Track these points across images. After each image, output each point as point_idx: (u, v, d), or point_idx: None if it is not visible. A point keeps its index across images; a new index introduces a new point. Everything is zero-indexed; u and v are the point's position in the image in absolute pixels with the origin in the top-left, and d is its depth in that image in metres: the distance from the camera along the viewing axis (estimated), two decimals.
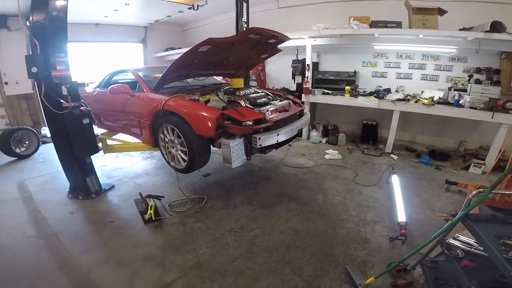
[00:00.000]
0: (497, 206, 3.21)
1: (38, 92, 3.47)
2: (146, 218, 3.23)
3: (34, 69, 3.32)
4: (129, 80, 4.86)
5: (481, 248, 1.75)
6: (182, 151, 3.47)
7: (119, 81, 5.04)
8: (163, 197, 3.60)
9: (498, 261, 1.42)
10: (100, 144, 4.40)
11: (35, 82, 3.47)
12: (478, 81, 5.23)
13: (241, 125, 3.06)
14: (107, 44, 8.84)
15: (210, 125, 3.02)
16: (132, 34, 9.20)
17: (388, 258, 2.64)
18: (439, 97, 5.35)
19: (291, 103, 4.17)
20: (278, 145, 3.55)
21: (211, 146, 3.46)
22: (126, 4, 6.41)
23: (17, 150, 5.67)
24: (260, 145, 3.13)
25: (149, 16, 8.18)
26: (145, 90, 3.87)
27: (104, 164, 5.15)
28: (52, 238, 3.05)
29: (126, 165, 5.17)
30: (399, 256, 2.42)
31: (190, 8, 6.88)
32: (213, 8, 7.25)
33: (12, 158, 5.61)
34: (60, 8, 3.30)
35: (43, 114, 3.75)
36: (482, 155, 5.16)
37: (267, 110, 3.47)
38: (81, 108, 3.66)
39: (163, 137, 3.53)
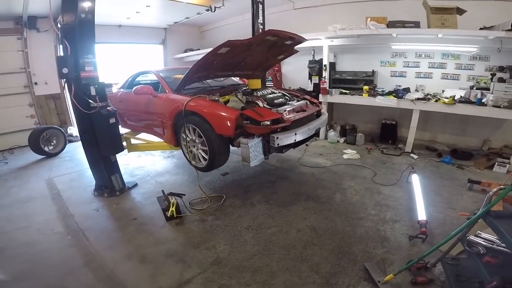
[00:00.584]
0: None
1: (68, 92, 3.66)
2: (168, 215, 3.34)
3: (65, 70, 3.49)
4: (152, 81, 5.04)
5: (503, 244, 1.75)
6: (203, 150, 3.60)
7: (141, 82, 5.25)
8: (184, 195, 3.71)
9: None
10: (124, 143, 4.59)
11: (65, 83, 3.65)
12: (501, 80, 5.07)
13: (259, 125, 3.16)
14: (129, 45, 9.16)
15: (229, 124, 3.13)
16: (153, 36, 9.48)
17: (408, 256, 2.63)
18: (461, 96, 5.24)
19: (308, 103, 4.22)
20: (295, 144, 3.60)
21: (230, 146, 3.57)
22: (147, 6, 6.68)
23: (46, 149, 6.00)
24: (278, 144, 3.22)
25: (169, 18, 8.44)
26: (167, 91, 4.04)
27: (127, 163, 5.35)
28: (79, 235, 3.19)
29: (148, 164, 5.37)
30: (419, 254, 2.41)
31: (207, 10, 7.10)
32: (230, 10, 7.42)
33: (40, 156, 5.94)
34: (88, 10, 3.46)
35: (73, 113, 3.98)
36: (507, 154, 5.01)
37: (285, 110, 3.55)
38: (108, 108, 3.83)
39: (184, 137, 3.67)
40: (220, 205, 3.70)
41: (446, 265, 2.23)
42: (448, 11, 4.97)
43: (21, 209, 3.83)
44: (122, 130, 5.09)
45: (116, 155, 4.26)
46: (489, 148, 5.55)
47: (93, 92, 3.66)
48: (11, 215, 3.68)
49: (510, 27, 4.42)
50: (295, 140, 3.39)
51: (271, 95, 3.99)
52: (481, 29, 4.91)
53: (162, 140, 4.32)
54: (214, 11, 7.08)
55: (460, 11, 4.96)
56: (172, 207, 3.36)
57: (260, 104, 3.56)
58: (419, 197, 3.47)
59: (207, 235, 3.09)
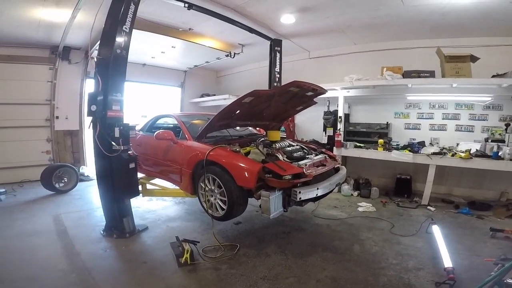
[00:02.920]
0: None
1: (92, 131, 3.70)
2: (182, 262, 3.27)
3: (93, 107, 3.58)
4: (170, 126, 5.21)
5: None
6: (221, 200, 3.63)
7: (161, 126, 5.43)
8: (198, 242, 3.66)
9: None
10: (140, 187, 4.63)
11: (91, 122, 3.69)
12: None
13: (281, 179, 3.22)
14: (149, 85, 9.46)
15: (251, 177, 3.20)
16: (173, 78, 9.90)
17: None
18: (476, 149, 5.29)
19: (327, 157, 4.31)
20: (315, 198, 3.63)
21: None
22: (172, 47, 7.11)
23: (57, 185, 6.06)
24: (300, 198, 3.25)
25: (190, 61, 8.87)
26: (187, 138, 4.18)
27: (138, 206, 5.32)
28: (84, 274, 3.10)
29: (159, 208, 5.37)
30: None
31: (227, 55, 7.54)
32: (247, 56, 7.88)
33: (50, 192, 5.99)
34: (123, 46, 3.62)
35: (92, 153, 3.96)
36: None
37: (305, 164, 3.63)
38: (129, 152, 3.90)
39: (203, 186, 3.72)
40: (234, 254, 3.62)
41: None
42: (462, 59, 5.10)
43: (24, 242, 3.78)
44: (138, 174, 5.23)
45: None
46: (507, 199, 5.51)
47: (117, 133, 3.68)
48: (13, 247, 3.62)
49: None
50: (316, 194, 3.44)
51: (290, 148, 4.12)
52: (493, 76, 5.03)
53: (178, 187, 4.37)
54: (233, 57, 7.51)
55: (473, 59, 5.09)
56: (187, 253, 3.31)
57: (280, 157, 3.66)
58: (442, 245, 3.50)
59: (222, 284, 3.00)
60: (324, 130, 7.03)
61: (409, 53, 6.32)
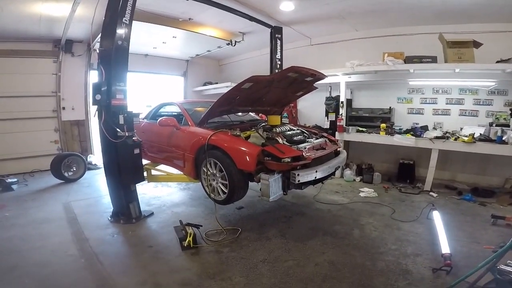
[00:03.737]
0: None
1: (98, 120, 3.81)
2: (185, 245, 3.35)
3: (98, 97, 3.66)
4: (174, 113, 5.29)
5: None
6: (222, 184, 3.71)
7: (164, 113, 5.51)
8: (201, 226, 3.76)
9: None
10: (145, 173, 4.74)
11: (96, 110, 3.80)
12: None
13: (280, 162, 3.28)
14: (153, 75, 9.58)
15: (251, 160, 3.28)
16: (175, 67, 9.98)
17: (432, 287, 2.61)
18: (480, 134, 5.21)
19: (327, 141, 4.35)
20: (315, 181, 3.69)
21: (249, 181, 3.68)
22: (173, 36, 7.13)
23: (66, 174, 6.23)
24: (299, 181, 3.31)
25: (192, 50, 8.92)
26: (190, 124, 4.26)
27: (144, 192, 5.44)
28: (92, 258, 3.21)
29: (164, 194, 5.48)
30: (444, 286, 2.38)
31: (228, 44, 7.53)
32: (248, 44, 7.84)
33: (60, 181, 6.17)
34: (124, 37, 3.68)
35: (99, 141, 4.08)
36: None
37: (305, 148, 3.69)
38: (133, 138, 3.98)
39: (205, 170, 3.81)
40: (236, 237, 3.70)
41: None
42: (464, 45, 5.04)
43: (36, 229, 3.92)
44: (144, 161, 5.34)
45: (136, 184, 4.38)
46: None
47: (121, 121, 3.78)
48: (26, 234, 3.76)
49: None
50: (315, 177, 3.49)
51: (290, 132, 4.16)
52: (497, 62, 4.96)
53: (182, 173, 4.47)
54: (234, 45, 7.51)
55: (476, 44, 5.02)
56: (190, 237, 3.39)
57: (280, 140, 3.71)
58: (441, 231, 3.49)
59: (223, 266, 3.08)
60: (326, 115, 7.03)
61: (411, 39, 6.22)
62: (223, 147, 3.50)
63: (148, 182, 5.06)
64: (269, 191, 3.27)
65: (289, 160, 3.31)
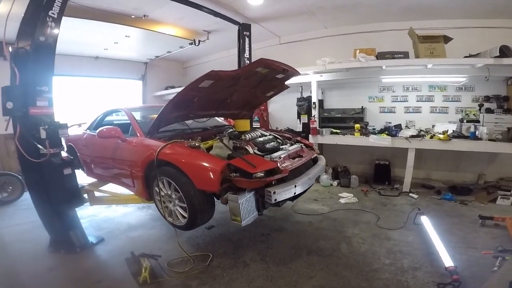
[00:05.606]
0: None
1: (13, 134, 2.90)
2: (140, 282, 2.59)
3: (9, 105, 2.78)
4: (124, 122, 4.26)
5: None
6: (181, 207, 2.81)
7: (114, 122, 4.49)
8: (160, 256, 2.94)
9: None
10: (85, 195, 3.75)
11: (7, 122, 2.91)
12: (489, 110, 4.92)
13: (252, 178, 2.45)
14: (106, 80, 8.37)
15: (213, 178, 2.40)
16: (132, 70, 8.76)
17: None
18: (453, 130, 4.95)
19: (303, 147, 3.58)
20: (294, 197, 2.89)
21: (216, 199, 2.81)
22: (126, 36, 6.06)
23: None
24: (275, 200, 2.50)
25: (150, 51, 7.84)
26: (138, 134, 3.27)
27: (94, 214, 4.45)
28: None
29: (118, 215, 4.46)
30: None
31: (191, 44, 6.60)
32: (215, 44, 7.01)
33: None
34: (49, 34, 2.84)
35: (19, 160, 3.12)
36: (505, 186, 4.80)
37: (279, 157, 2.87)
38: (62, 156, 3.06)
39: (158, 191, 2.87)
40: (207, 266, 2.94)
41: None
42: (435, 40, 4.75)
43: None
44: (87, 180, 4.33)
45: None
46: (485, 182, 5.25)
47: (43, 135, 2.87)
48: None
49: (498, 54, 4.19)
50: (294, 193, 2.70)
51: (261, 139, 3.33)
52: (466, 57, 4.70)
53: (133, 193, 3.48)
54: (198, 45, 6.57)
55: (446, 39, 4.76)
56: (145, 272, 2.63)
57: (250, 150, 2.89)
58: (436, 239, 3.12)
59: None
60: (298, 117, 6.44)
61: (381, 36, 5.80)
62: (177, 163, 2.59)
63: (91, 205, 3.98)
64: (240, 214, 2.44)
65: (262, 174, 2.49)
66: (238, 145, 2.94)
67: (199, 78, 2.65)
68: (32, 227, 3.99)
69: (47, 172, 2.96)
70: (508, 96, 4.91)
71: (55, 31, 2.89)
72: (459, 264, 2.64)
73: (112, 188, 4.38)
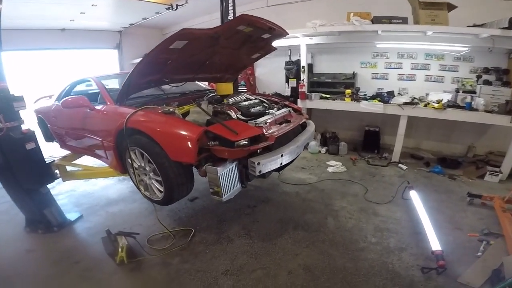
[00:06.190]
0: None
1: None
2: (117, 261, 2.45)
3: None
4: (97, 92, 3.85)
5: None
6: (156, 181, 2.54)
7: (89, 92, 4.03)
8: (138, 234, 2.76)
9: None
10: (57, 171, 3.43)
11: None
12: (487, 82, 4.63)
13: (233, 147, 2.16)
14: (80, 51, 7.74)
15: (189, 148, 2.11)
16: (105, 40, 8.08)
17: None
18: (448, 100, 4.70)
19: (292, 111, 3.27)
20: (280, 168, 2.65)
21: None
22: (93, 5, 5.37)
23: None
24: (260, 171, 2.24)
25: (123, 19, 7.11)
26: (108, 102, 2.89)
27: (73, 189, 4.21)
28: (5, 283, 2.40)
29: (98, 189, 4.22)
30: None
31: (168, 9, 5.91)
32: (195, 9, 6.38)
33: None
34: None
35: None
36: (494, 161, 4.64)
37: (265, 123, 2.57)
38: (22, 130, 2.74)
39: (130, 162, 2.57)
40: (188, 242, 2.78)
41: None
42: (438, 7, 4.33)
43: None
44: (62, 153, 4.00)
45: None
46: (474, 155, 5.13)
47: None
48: None
49: (507, 25, 3.85)
50: (281, 163, 2.44)
51: (246, 102, 3.00)
52: (469, 27, 4.31)
53: (107, 165, 3.17)
54: (176, 10, 5.90)
55: (450, 7, 4.35)
56: (122, 251, 2.46)
57: (233, 115, 2.59)
58: (425, 219, 2.95)
59: (173, 284, 2.29)
60: (287, 81, 6.08)
61: (376, 1, 5.28)
62: (148, 131, 2.28)
63: (64, 181, 3.68)
64: (220, 188, 2.18)
65: (246, 142, 2.21)
66: (219, 109, 2.63)
67: (168, 38, 2.25)
68: (10, 206, 3.64)
69: (7, 148, 2.69)
70: (509, 69, 4.64)
71: None
72: (443, 246, 2.54)
73: (87, 161, 4.09)
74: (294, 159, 3.07)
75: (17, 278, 2.44)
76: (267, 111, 2.93)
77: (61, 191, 4.13)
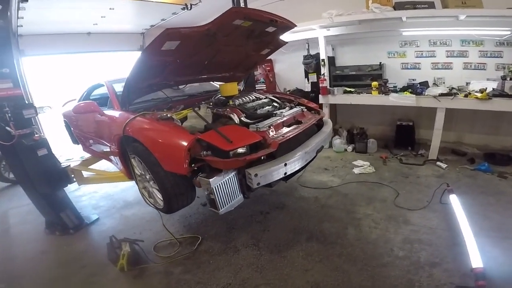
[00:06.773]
0: None
1: None
2: (118, 268, 2.42)
3: None
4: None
5: None
6: (156, 189, 2.41)
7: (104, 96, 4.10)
8: (142, 241, 2.70)
9: None
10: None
11: None
12: None
13: (228, 157, 1.93)
14: (106, 54, 7.99)
15: (180, 158, 1.93)
16: (129, 42, 8.19)
17: None
18: (493, 88, 4.04)
19: (305, 109, 2.95)
20: (287, 177, 2.38)
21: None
22: (110, 8, 5.46)
23: (8, 176, 4.86)
24: (258, 183, 1.98)
25: (143, 21, 7.19)
26: (116, 107, 2.85)
27: (95, 191, 4.32)
28: (14, 283, 2.46)
29: (118, 191, 4.27)
30: None
31: (183, 9, 5.87)
32: (210, 8, 6.11)
33: (5, 184, 4.92)
34: None
35: None
36: None
37: (270, 126, 2.30)
38: (35, 136, 2.80)
39: (133, 169, 2.49)
40: (194, 250, 2.65)
41: None
42: None
43: None
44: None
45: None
46: None
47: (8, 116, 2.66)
48: None
49: None
50: (285, 173, 2.15)
51: (253, 103, 2.76)
52: (509, 9, 3.66)
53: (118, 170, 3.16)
54: (190, 9, 5.84)
55: None
56: (122, 259, 2.41)
57: (235, 118, 2.36)
58: (466, 227, 2.45)
59: None
60: (306, 76, 5.71)
61: None
62: (141, 139, 2.16)
63: (79, 185, 3.76)
64: (216, 200, 1.98)
65: (243, 151, 1.97)
66: (222, 112, 2.42)
67: (154, 40, 2.10)
68: (35, 207, 3.91)
69: (21, 154, 2.79)
70: None
71: (4, 12, 2.63)
72: (488, 261, 2.09)
73: (102, 166, 4.17)
74: (306, 166, 2.74)
75: (24, 279, 2.49)
76: (275, 112, 2.65)
77: (84, 192, 4.29)
